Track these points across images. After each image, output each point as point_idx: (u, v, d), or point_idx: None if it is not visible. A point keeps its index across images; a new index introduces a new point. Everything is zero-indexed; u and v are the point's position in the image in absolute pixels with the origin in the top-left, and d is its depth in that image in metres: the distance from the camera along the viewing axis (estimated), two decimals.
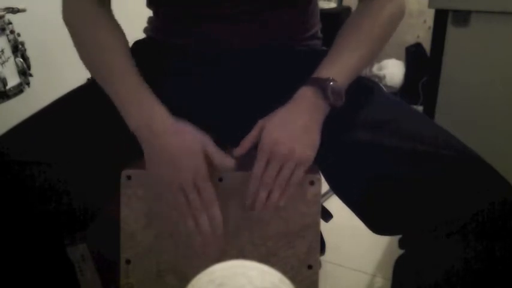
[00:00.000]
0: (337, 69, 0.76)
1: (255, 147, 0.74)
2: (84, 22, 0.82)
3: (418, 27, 3.03)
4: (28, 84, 1.27)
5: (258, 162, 0.72)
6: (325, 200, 1.39)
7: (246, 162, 0.74)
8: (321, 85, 0.74)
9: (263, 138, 0.72)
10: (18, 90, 1.23)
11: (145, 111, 0.74)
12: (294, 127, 0.72)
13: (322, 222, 0.81)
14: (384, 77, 2.99)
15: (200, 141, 0.73)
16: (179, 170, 0.71)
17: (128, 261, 0.80)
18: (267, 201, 0.72)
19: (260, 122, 0.75)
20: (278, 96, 0.77)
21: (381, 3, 0.80)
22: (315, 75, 0.76)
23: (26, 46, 1.26)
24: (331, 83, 0.74)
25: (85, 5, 0.82)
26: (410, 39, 3.05)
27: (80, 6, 0.82)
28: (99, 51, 0.79)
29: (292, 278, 0.53)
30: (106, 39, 0.80)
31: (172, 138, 0.73)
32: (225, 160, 0.73)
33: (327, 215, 0.92)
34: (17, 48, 1.23)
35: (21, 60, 1.24)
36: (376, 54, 0.82)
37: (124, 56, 0.79)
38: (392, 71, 3.01)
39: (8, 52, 1.21)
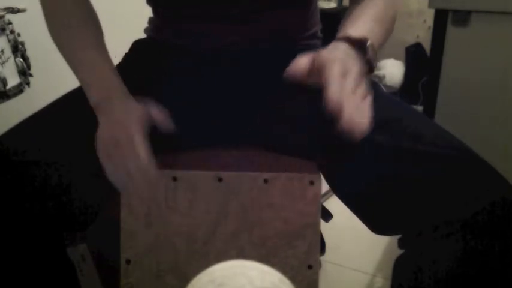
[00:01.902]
0: (366, 31, 0.71)
1: (253, 148, 0.74)
2: (57, 3, 0.83)
3: (418, 27, 3.03)
4: (28, 84, 1.27)
5: (332, 69, 0.61)
6: (325, 200, 1.39)
7: (246, 163, 0.74)
8: (358, 42, 0.68)
9: (327, 55, 0.64)
10: (18, 90, 1.23)
11: (104, 86, 0.76)
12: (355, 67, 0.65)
13: (322, 222, 0.81)
14: (384, 77, 2.99)
15: (143, 105, 0.74)
16: (113, 126, 0.71)
17: (128, 261, 0.80)
18: (362, 113, 0.62)
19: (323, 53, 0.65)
20: (278, 96, 0.76)
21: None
22: (344, 34, 0.70)
23: (26, 46, 1.26)
24: (368, 42, 0.68)
25: None
26: (410, 39, 3.05)
27: None
28: (70, 35, 0.81)
29: (292, 278, 0.53)
30: (77, 22, 0.81)
31: (122, 107, 0.74)
32: (164, 121, 0.73)
33: (327, 215, 0.92)
34: (17, 48, 1.23)
35: (21, 60, 1.24)
36: (390, 30, 0.79)
37: (93, 38, 0.81)
38: (391, 71, 3.01)
39: (8, 52, 1.21)
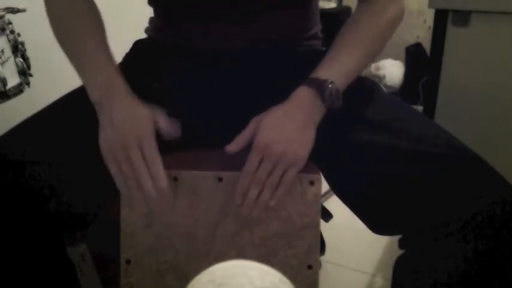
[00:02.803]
0: (335, 71, 0.76)
1: (249, 146, 0.74)
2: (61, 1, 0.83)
3: (418, 27, 3.02)
4: (28, 84, 1.27)
5: (251, 159, 0.71)
6: (325, 200, 1.39)
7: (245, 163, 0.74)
8: (319, 86, 0.74)
9: (257, 137, 0.72)
10: (18, 90, 1.23)
11: (105, 82, 0.75)
12: (289, 127, 0.72)
13: (322, 222, 0.81)
14: (384, 77, 2.99)
15: (150, 110, 0.74)
16: (123, 132, 0.71)
17: (128, 261, 0.80)
18: (257, 201, 0.72)
19: (255, 120, 0.74)
20: (278, 96, 0.77)
21: (382, 4, 0.80)
22: (313, 75, 0.76)
23: (26, 46, 1.26)
24: (330, 85, 0.73)
25: None
26: (410, 39, 3.05)
27: None
28: (72, 31, 0.81)
29: (292, 278, 0.53)
30: (79, 19, 0.81)
31: (122, 105, 0.73)
32: (171, 129, 0.74)
33: (327, 215, 0.92)
34: (17, 48, 1.23)
35: (21, 60, 1.24)
36: (375, 56, 0.82)
37: (95, 34, 0.81)
38: (391, 71, 3.01)
39: (8, 52, 1.21)
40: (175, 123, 0.76)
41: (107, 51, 0.79)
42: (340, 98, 0.74)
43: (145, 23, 0.96)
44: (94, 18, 0.83)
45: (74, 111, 0.80)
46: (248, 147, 0.74)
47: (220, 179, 0.77)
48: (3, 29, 1.19)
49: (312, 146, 0.73)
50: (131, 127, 0.71)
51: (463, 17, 1.34)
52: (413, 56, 3.02)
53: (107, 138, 0.72)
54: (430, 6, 1.38)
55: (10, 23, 1.21)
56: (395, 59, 3.04)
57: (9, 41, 1.21)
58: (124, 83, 0.76)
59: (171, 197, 0.74)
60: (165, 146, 0.77)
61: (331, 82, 0.73)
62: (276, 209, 0.75)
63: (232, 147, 0.74)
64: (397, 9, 0.81)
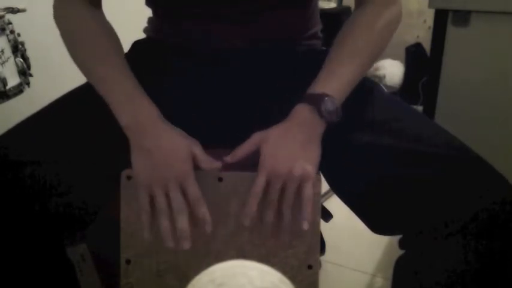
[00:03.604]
0: (332, 84, 0.75)
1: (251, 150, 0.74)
2: (76, 24, 0.82)
3: (418, 27, 3.02)
4: (28, 84, 1.27)
5: (259, 179, 0.72)
6: (325, 200, 1.39)
7: (246, 163, 0.74)
8: (315, 102, 0.73)
9: (264, 156, 0.72)
10: (18, 90, 1.23)
11: (137, 110, 0.74)
12: (293, 144, 0.72)
13: (322, 222, 0.81)
14: (384, 77, 2.99)
15: (188, 144, 0.73)
16: (166, 166, 0.71)
17: (128, 261, 0.80)
18: (282, 226, 0.73)
19: (256, 136, 0.74)
20: (278, 96, 0.77)
21: (378, 11, 0.79)
22: (310, 90, 0.75)
23: (26, 46, 1.26)
24: (326, 99, 0.73)
25: (76, 6, 0.82)
26: (410, 39, 3.05)
27: (71, 6, 0.82)
28: (91, 54, 0.79)
29: (292, 278, 0.53)
30: (98, 40, 0.80)
31: (162, 138, 0.73)
32: (211, 164, 0.74)
33: (327, 215, 0.92)
34: (17, 48, 1.23)
35: (21, 60, 1.24)
36: (374, 61, 0.81)
37: (117, 57, 0.80)
38: (391, 71, 3.01)
39: (8, 52, 1.21)
40: (213, 159, 0.75)
41: (132, 77, 0.78)
42: (339, 110, 0.74)
43: (144, 23, 0.95)
44: (111, 38, 0.82)
45: (74, 111, 0.80)
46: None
47: (220, 179, 0.77)
48: (3, 29, 1.19)
49: (318, 160, 0.74)
50: (174, 161, 0.71)
51: (463, 17, 1.34)
52: (413, 56, 3.02)
53: (146, 167, 0.72)
54: (430, 6, 1.38)
55: (10, 23, 1.21)
56: (395, 59, 3.04)
57: (9, 41, 1.21)
58: (157, 111, 0.75)
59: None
60: None
61: (327, 96, 0.73)
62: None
63: (230, 158, 0.75)
64: (395, 11, 0.81)
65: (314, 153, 0.73)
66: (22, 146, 0.74)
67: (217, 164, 0.74)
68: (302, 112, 0.74)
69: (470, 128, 1.26)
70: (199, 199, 0.72)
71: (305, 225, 0.72)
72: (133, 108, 0.74)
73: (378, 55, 0.80)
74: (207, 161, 0.74)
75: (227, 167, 0.77)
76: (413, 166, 0.71)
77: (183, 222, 0.71)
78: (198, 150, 0.74)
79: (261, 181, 0.71)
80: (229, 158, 0.75)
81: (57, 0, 0.83)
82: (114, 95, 0.76)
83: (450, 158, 0.71)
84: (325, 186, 0.79)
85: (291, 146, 0.72)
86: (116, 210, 0.79)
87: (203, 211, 0.72)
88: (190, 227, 0.72)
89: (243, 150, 0.74)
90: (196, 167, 0.73)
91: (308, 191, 0.72)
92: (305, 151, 0.72)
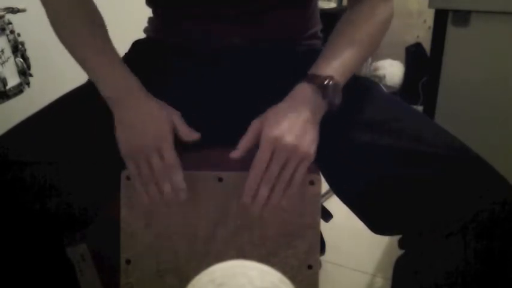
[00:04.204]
0: (334, 67, 0.75)
1: (253, 148, 0.74)
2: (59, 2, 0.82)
3: (418, 27, 3.02)
4: (28, 84, 1.27)
5: (261, 155, 0.68)
6: (325, 200, 1.39)
7: (246, 162, 0.74)
8: (320, 83, 0.73)
9: (268, 129, 0.69)
10: (18, 90, 1.23)
11: (118, 83, 0.77)
12: (296, 122, 0.70)
13: (322, 222, 0.81)
14: (384, 77, 2.99)
15: (167, 113, 0.75)
16: (143, 135, 0.72)
17: (128, 261, 0.80)
18: (268, 200, 0.70)
19: (257, 120, 0.73)
20: (278, 96, 0.76)
21: (373, 5, 0.81)
22: (313, 71, 0.75)
23: (26, 46, 1.26)
24: (330, 82, 0.73)
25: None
26: (410, 39, 3.05)
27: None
28: (74, 34, 0.81)
29: (292, 278, 0.53)
30: (81, 18, 0.81)
31: (141, 108, 0.74)
32: (190, 134, 0.75)
33: (327, 215, 0.92)
34: (17, 48, 1.23)
35: (21, 60, 1.24)
36: (369, 55, 0.82)
37: (98, 33, 0.81)
38: (391, 71, 3.01)
39: (8, 52, 1.21)
40: (192, 129, 0.76)
41: (116, 53, 0.81)
42: (340, 94, 0.74)
43: (145, 23, 0.95)
44: (97, 22, 0.83)
45: (74, 111, 0.80)
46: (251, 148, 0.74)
47: (220, 179, 0.77)
48: (3, 29, 1.19)
49: (317, 142, 0.72)
50: (151, 129, 0.72)
51: (463, 17, 1.34)
52: (413, 56, 3.02)
53: (127, 139, 0.73)
54: (430, 6, 1.38)
55: (10, 23, 1.21)
56: (395, 59, 3.04)
57: (9, 41, 1.21)
58: (139, 83, 0.78)
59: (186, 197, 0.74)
60: None
61: (332, 78, 0.73)
62: (283, 209, 0.74)
63: (237, 153, 0.72)
64: (387, 9, 0.82)
65: (315, 134, 0.72)
66: (22, 146, 0.74)
67: (197, 135, 0.75)
68: (305, 91, 0.73)
69: (470, 128, 1.26)
70: (174, 165, 0.72)
71: (284, 202, 0.70)
72: (115, 81, 0.77)
73: (374, 48, 0.81)
74: (186, 131, 0.75)
75: (228, 165, 0.77)
76: (413, 166, 0.71)
77: (167, 187, 0.72)
78: (177, 120, 0.75)
79: (265, 155, 0.68)
80: (235, 153, 0.72)
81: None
82: (97, 71, 0.78)
83: (450, 158, 0.70)
84: (325, 186, 0.79)
85: (294, 123, 0.69)
86: (116, 210, 0.79)
87: (176, 179, 0.72)
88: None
89: (247, 139, 0.72)
90: (177, 140, 0.74)
91: (302, 172, 0.70)
92: (308, 130, 0.70)
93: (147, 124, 0.73)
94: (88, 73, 0.80)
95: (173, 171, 0.72)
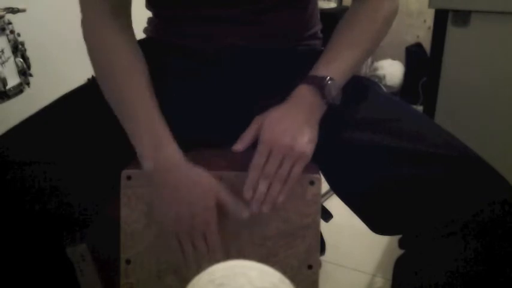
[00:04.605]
0: (334, 68, 0.76)
1: (252, 146, 0.74)
2: (101, 43, 0.78)
3: (418, 27, 3.02)
4: (28, 84, 1.27)
5: (259, 153, 0.71)
6: (325, 200, 1.39)
7: (246, 163, 0.74)
8: (319, 84, 0.74)
9: (265, 131, 0.72)
10: (18, 90, 1.23)
11: (158, 145, 0.73)
12: (294, 122, 0.72)
13: (322, 222, 0.81)
14: (384, 77, 2.99)
15: (214, 187, 0.72)
16: (191, 215, 0.71)
17: (128, 261, 0.80)
18: (266, 196, 0.71)
19: (258, 118, 0.74)
20: (278, 96, 0.77)
21: (377, 2, 0.80)
22: (313, 73, 0.76)
23: (26, 46, 1.26)
24: (329, 82, 0.74)
25: (103, 22, 0.77)
26: (410, 39, 3.05)
27: (97, 22, 0.78)
28: (115, 78, 0.77)
29: (292, 278, 0.53)
30: (124, 66, 0.77)
31: (187, 176, 0.72)
32: (239, 208, 0.73)
33: (327, 215, 0.92)
34: (17, 48, 1.23)
35: (21, 60, 1.24)
36: (371, 53, 0.82)
37: (141, 85, 0.77)
38: (391, 71, 3.01)
39: (8, 52, 1.21)
40: (239, 201, 0.74)
41: (156, 109, 0.75)
42: (340, 94, 0.75)
43: (144, 23, 0.95)
44: (138, 68, 0.78)
45: (74, 111, 0.80)
46: (249, 148, 0.74)
47: (220, 179, 0.77)
48: (3, 29, 1.19)
49: (316, 142, 0.73)
50: (200, 203, 0.71)
51: (463, 17, 1.34)
52: (413, 56, 3.02)
53: (174, 215, 0.72)
54: (430, 6, 1.38)
55: (10, 23, 1.21)
56: (395, 59, 3.04)
57: (9, 41, 1.21)
58: (179, 150, 0.74)
59: None
60: None
61: (331, 79, 0.74)
62: (280, 207, 0.74)
63: (238, 145, 0.74)
64: (391, 6, 0.81)
65: (313, 134, 0.73)
66: (22, 146, 0.74)
67: (244, 210, 0.72)
68: (304, 93, 0.75)
69: (470, 128, 1.26)
70: (216, 250, 0.73)
71: (281, 198, 0.71)
72: (156, 145, 0.73)
73: (376, 46, 0.81)
74: (234, 205, 0.73)
75: (228, 165, 0.77)
76: (413, 166, 0.71)
77: (205, 265, 0.71)
78: (223, 192, 0.73)
79: (262, 154, 0.71)
80: (237, 146, 0.74)
81: (86, 18, 0.79)
82: (141, 139, 0.74)
83: (450, 158, 0.70)
84: (325, 186, 0.79)
85: (292, 123, 0.72)
86: (116, 210, 0.79)
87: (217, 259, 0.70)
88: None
89: (249, 134, 0.74)
90: (221, 210, 0.73)
91: (298, 170, 0.71)
92: (306, 130, 0.72)
93: (195, 202, 0.71)
94: (129, 135, 0.75)
95: (213, 254, 0.72)
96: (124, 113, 0.75)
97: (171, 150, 0.73)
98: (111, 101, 0.77)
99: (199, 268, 0.68)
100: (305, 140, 0.71)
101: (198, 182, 0.72)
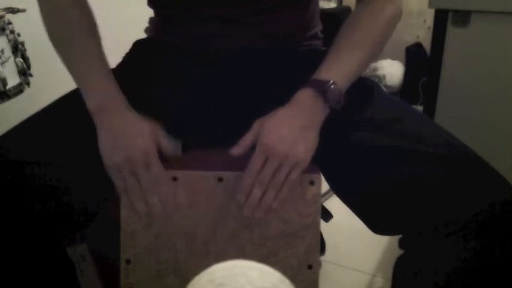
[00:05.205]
0: (337, 72, 0.75)
1: (252, 147, 0.74)
2: (58, 12, 0.81)
3: (418, 27, 3.03)
4: (28, 84, 1.27)
5: (255, 159, 0.71)
6: (325, 200, 1.39)
7: (246, 163, 0.74)
8: (321, 87, 0.73)
9: (263, 136, 0.71)
10: (18, 90, 1.23)
11: (105, 98, 0.76)
12: (293, 128, 0.72)
13: (322, 222, 0.81)
14: (384, 77, 2.99)
15: (151, 125, 0.75)
16: (129, 147, 0.72)
17: (128, 261, 0.80)
18: (261, 201, 0.71)
19: (258, 121, 0.74)
20: (279, 96, 0.76)
21: (380, 5, 0.80)
22: (315, 76, 0.75)
23: (26, 46, 1.26)
24: (332, 86, 0.73)
25: None
26: (410, 39, 3.05)
27: None
28: (66, 35, 0.80)
29: (292, 278, 0.53)
30: (73, 21, 0.80)
31: (125, 119, 0.74)
32: (171, 144, 0.75)
33: (327, 215, 0.92)
34: (17, 48, 1.23)
35: (21, 60, 1.24)
36: (376, 56, 0.81)
37: (89, 39, 0.80)
38: (391, 71, 3.02)
39: (8, 52, 1.21)
40: (175, 141, 0.77)
41: (104, 63, 0.79)
42: (342, 98, 0.74)
43: (146, 23, 0.96)
44: (89, 26, 0.81)
45: (74, 111, 0.80)
46: (250, 148, 0.74)
47: (220, 179, 0.77)
48: (3, 29, 1.19)
49: (315, 148, 0.73)
50: (136, 143, 0.72)
51: (463, 17, 1.34)
52: (413, 56, 3.02)
53: (110, 152, 0.73)
54: (430, 6, 1.38)
55: (10, 23, 1.21)
56: (395, 59, 3.04)
57: (9, 41, 1.21)
58: (123, 97, 0.77)
59: (172, 206, 0.76)
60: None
61: (333, 83, 0.73)
62: (277, 210, 0.75)
63: (236, 150, 0.73)
64: (395, 9, 0.81)
65: (313, 140, 0.73)
66: (22, 146, 0.74)
67: (177, 151, 0.76)
68: (306, 96, 0.74)
69: (470, 128, 1.26)
70: (162, 177, 0.73)
71: (275, 204, 0.72)
72: (102, 96, 0.76)
73: (380, 49, 0.81)
74: (169, 145, 0.76)
75: (228, 165, 0.77)
76: (414, 166, 0.71)
77: (153, 199, 0.73)
78: (160, 132, 0.75)
79: (258, 160, 0.71)
80: (234, 150, 0.73)
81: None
82: (85, 79, 0.77)
83: (450, 158, 0.71)
84: (325, 186, 0.79)
85: (291, 128, 0.71)
86: (116, 210, 0.79)
87: (164, 190, 0.74)
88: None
89: (248, 138, 0.74)
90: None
91: (295, 176, 0.71)
92: (305, 136, 0.72)
93: (132, 136, 0.73)
94: (73, 77, 0.79)
95: (162, 182, 0.73)
96: (76, 68, 0.79)
97: (116, 98, 0.76)
98: (63, 55, 0.80)
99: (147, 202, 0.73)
100: (302, 149, 0.71)
101: (138, 122, 0.75)
